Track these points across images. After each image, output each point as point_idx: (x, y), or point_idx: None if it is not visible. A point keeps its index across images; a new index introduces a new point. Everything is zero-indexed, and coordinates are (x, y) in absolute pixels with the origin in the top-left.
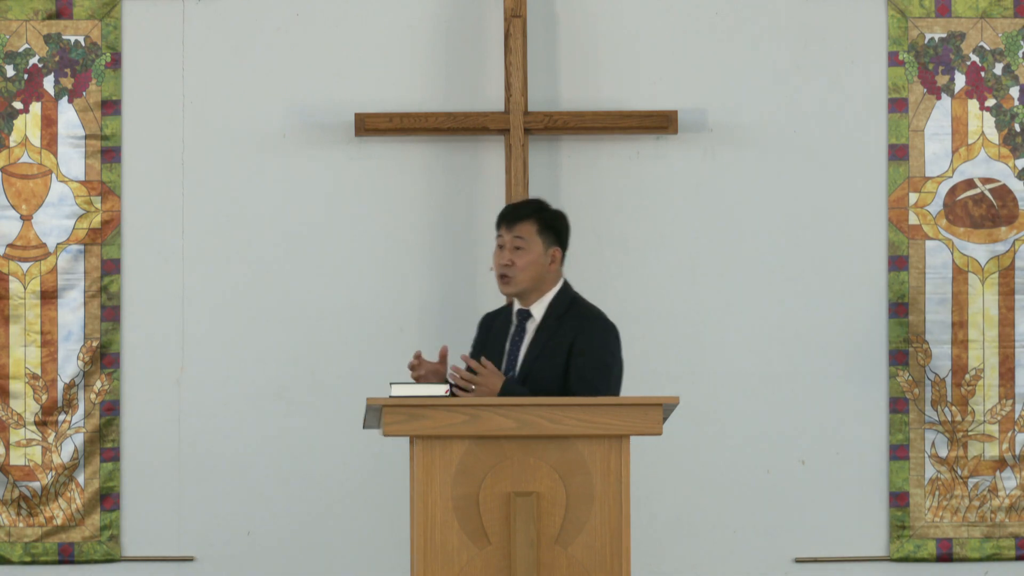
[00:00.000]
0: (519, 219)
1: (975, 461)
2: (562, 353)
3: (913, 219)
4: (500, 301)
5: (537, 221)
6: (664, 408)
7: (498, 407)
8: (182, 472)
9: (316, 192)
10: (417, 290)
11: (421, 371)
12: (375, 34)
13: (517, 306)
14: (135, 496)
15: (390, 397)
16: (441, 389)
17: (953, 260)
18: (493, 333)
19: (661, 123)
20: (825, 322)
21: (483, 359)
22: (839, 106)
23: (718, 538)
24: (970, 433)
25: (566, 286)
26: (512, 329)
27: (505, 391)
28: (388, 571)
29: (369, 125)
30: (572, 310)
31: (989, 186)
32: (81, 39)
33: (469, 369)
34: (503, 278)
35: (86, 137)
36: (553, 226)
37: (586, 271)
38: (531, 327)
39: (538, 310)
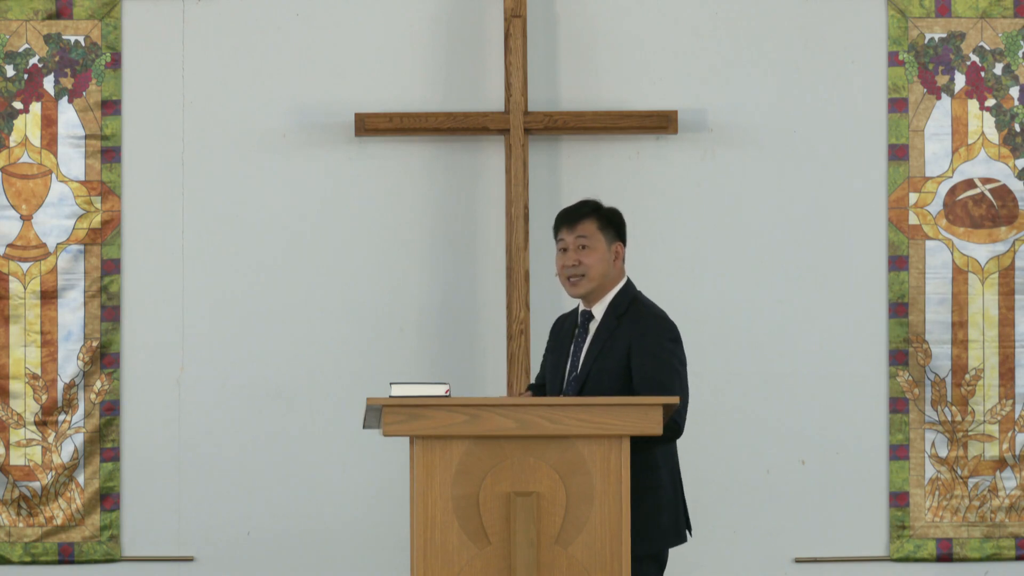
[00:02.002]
0: (580, 219)
1: (975, 461)
2: (620, 355)
3: (913, 219)
4: (500, 303)
5: (597, 218)
6: (664, 408)
7: (498, 407)
8: (182, 472)
9: (316, 192)
10: (417, 290)
11: None
12: (375, 34)
13: (582, 307)
14: (135, 496)
15: (390, 397)
16: (441, 389)
17: (953, 260)
18: (561, 336)
19: (661, 123)
20: (825, 322)
21: None
22: (839, 106)
23: (718, 538)
24: (970, 433)
25: (627, 285)
26: (577, 331)
27: None
28: (388, 571)
29: (369, 125)
30: (632, 309)
31: (989, 186)
32: (81, 39)
33: None
34: (572, 279)
35: (86, 137)
36: (612, 221)
37: None
38: (593, 327)
39: (599, 310)
